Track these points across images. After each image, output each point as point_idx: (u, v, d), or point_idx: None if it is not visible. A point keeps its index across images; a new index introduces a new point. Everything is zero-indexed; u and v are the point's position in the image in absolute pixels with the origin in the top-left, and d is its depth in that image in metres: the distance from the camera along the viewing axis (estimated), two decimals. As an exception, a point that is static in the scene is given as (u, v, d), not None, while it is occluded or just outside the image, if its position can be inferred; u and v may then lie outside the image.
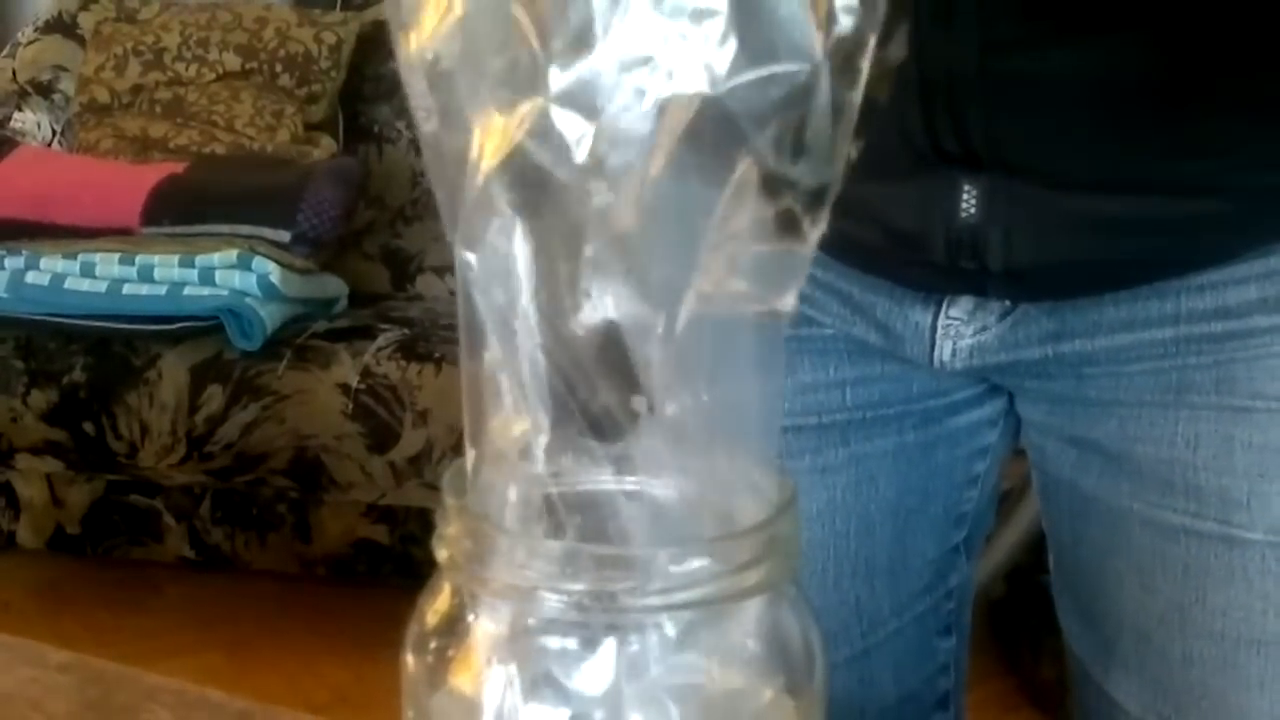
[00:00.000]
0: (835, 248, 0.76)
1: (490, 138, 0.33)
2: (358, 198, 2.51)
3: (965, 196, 0.69)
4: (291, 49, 2.63)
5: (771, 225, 0.33)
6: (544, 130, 0.32)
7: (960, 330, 0.75)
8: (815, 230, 0.34)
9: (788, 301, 0.34)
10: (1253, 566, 0.72)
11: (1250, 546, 0.72)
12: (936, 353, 0.76)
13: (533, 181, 0.33)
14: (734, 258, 0.33)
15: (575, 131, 0.32)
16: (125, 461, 2.22)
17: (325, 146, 2.58)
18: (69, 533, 2.36)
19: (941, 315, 0.75)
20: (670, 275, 0.33)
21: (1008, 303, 0.74)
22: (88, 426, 2.21)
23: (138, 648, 2.08)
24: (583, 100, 0.32)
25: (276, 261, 2.20)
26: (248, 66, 2.63)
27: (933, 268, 0.72)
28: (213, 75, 2.64)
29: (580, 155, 0.32)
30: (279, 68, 2.62)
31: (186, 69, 2.64)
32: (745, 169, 0.33)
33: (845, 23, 0.32)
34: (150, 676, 0.68)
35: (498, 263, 0.34)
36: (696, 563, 0.34)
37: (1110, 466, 0.75)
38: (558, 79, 0.32)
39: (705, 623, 0.35)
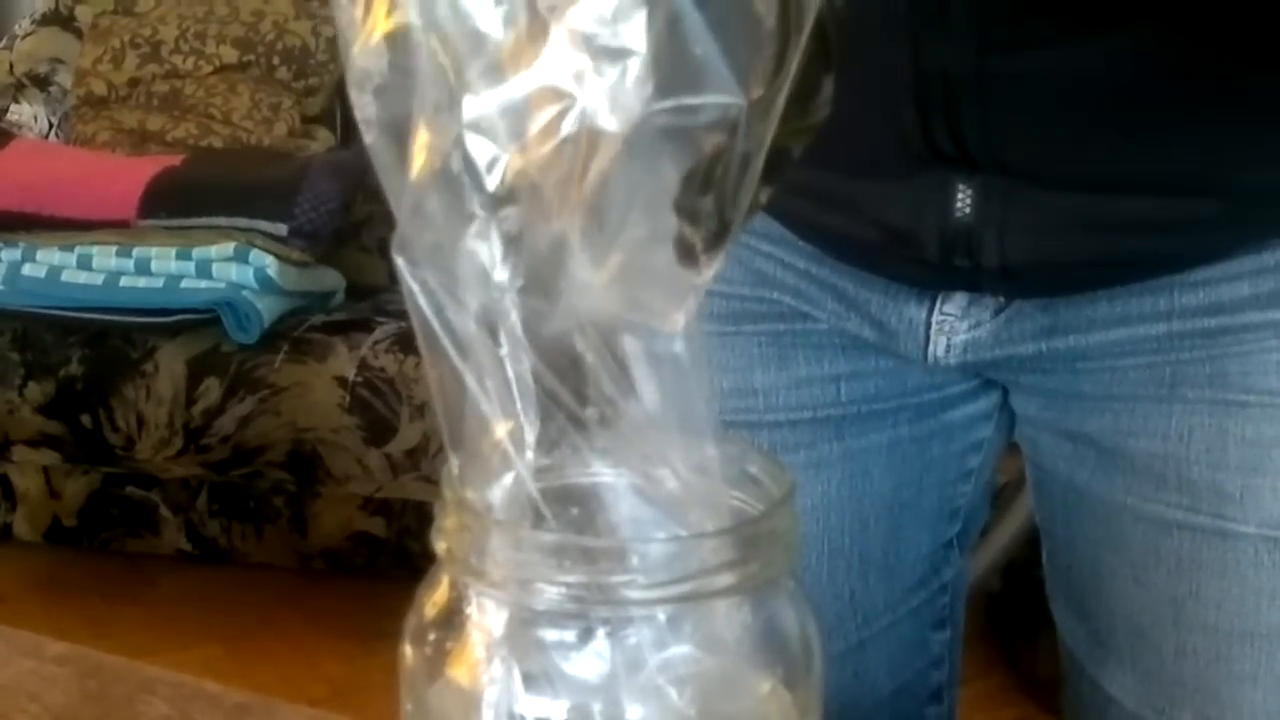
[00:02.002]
0: (830, 244, 0.77)
1: (420, 153, 0.33)
2: (355, 191, 2.51)
3: (960, 196, 0.70)
4: (289, 42, 2.63)
5: (667, 245, 0.34)
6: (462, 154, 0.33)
7: (954, 326, 0.76)
8: (710, 266, 0.34)
9: (675, 321, 0.34)
10: (1245, 560, 0.72)
11: (1243, 540, 0.72)
12: (930, 348, 0.76)
13: (489, 191, 0.33)
14: (633, 265, 0.34)
15: (486, 159, 0.32)
16: (122, 454, 2.22)
17: (323, 139, 2.57)
18: (65, 525, 2.36)
19: (935, 311, 0.76)
20: (588, 279, 0.34)
21: (1002, 299, 0.74)
22: (84, 419, 2.21)
23: (134, 640, 2.08)
24: (495, 129, 0.32)
25: (274, 254, 2.20)
26: (245, 59, 2.63)
27: (926, 265, 0.73)
28: (210, 68, 2.63)
29: (491, 183, 0.32)
30: (276, 60, 2.62)
31: (184, 62, 2.64)
32: (655, 186, 0.33)
33: (761, 61, 0.32)
34: (148, 668, 0.68)
35: (475, 264, 0.34)
36: (694, 555, 0.34)
37: (1104, 461, 0.76)
38: (471, 106, 0.32)
39: (703, 615, 0.35)
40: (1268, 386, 0.70)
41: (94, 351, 2.21)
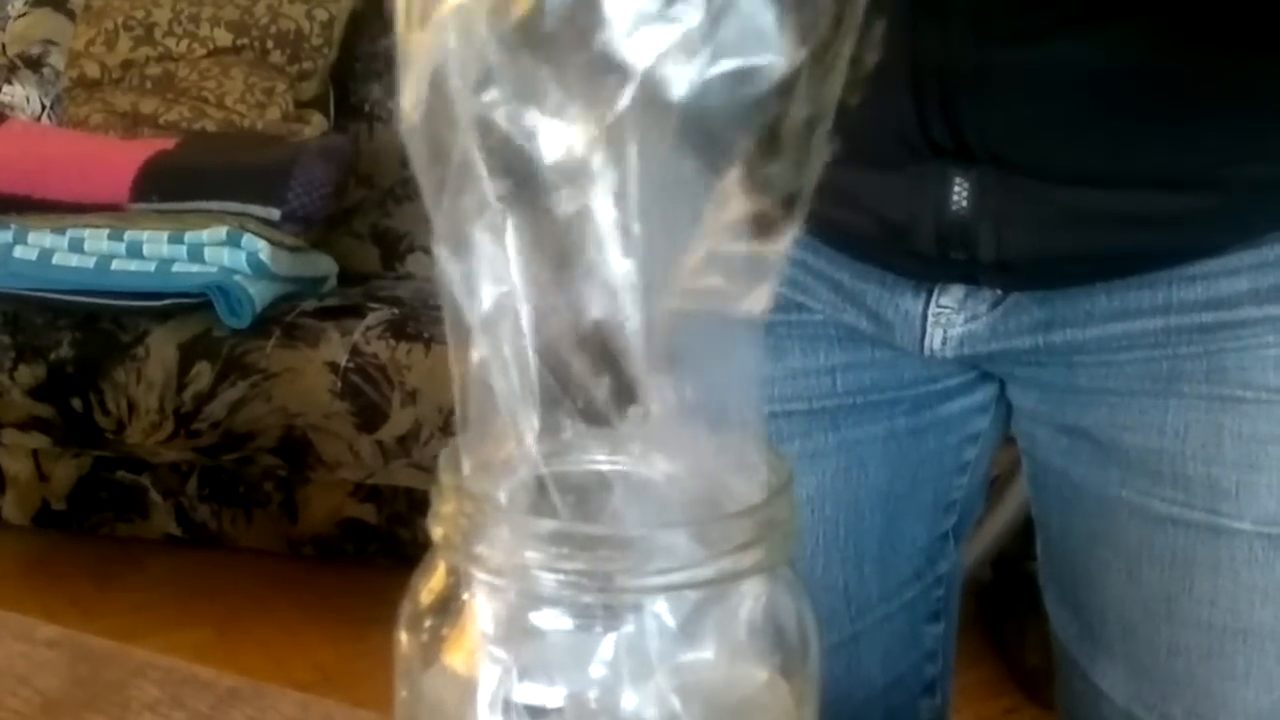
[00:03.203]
0: (826, 234, 0.77)
1: (462, 137, 0.33)
2: (348, 176, 2.50)
3: (956, 189, 0.69)
4: (283, 25, 2.62)
5: (747, 226, 0.34)
6: (519, 128, 0.32)
7: (951, 319, 0.75)
8: (789, 232, 0.34)
9: (760, 300, 0.34)
10: (1240, 557, 0.72)
11: (1238, 537, 0.72)
12: (927, 341, 0.76)
13: (521, 175, 0.33)
14: (710, 256, 0.34)
15: (548, 132, 0.32)
16: (112, 438, 2.22)
17: (316, 124, 2.57)
18: (55, 509, 2.35)
19: (932, 304, 0.75)
20: (648, 271, 0.33)
21: (999, 292, 0.74)
22: (75, 402, 2.20)
23: (123, 624, 2.08)
24: (556, 102, 0.32)
25: (266, 239, 2.19)
26: (239, 43, 2.62)
27: (923, 257, 0.72)
28: (203, 51, 2.63)
29: (550, 155, 0.32)
30: (270, 44, 2.61)
31: (177, 44, 2.63)
32: (726, 170, 0.33)
33: (820, 25, 0.32)
34: (139, 653, 0.67)
35: (486, 256, 0.34)
36: (692, 544, 0.34)
37: (1099, 455, 0.76)
38: (532, 80, 0.32)
39: (700, 604, 0.35)
40: (1265, 382, 0.70)
41: (85, 335, 2.21)
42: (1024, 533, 1.40)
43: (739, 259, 0.34)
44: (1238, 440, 0.71)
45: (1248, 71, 0.66)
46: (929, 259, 0.72)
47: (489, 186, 0.33)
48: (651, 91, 0.32)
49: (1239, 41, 0.65)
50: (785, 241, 0.34)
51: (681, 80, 0.32)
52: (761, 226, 0.33)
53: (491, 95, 0.32)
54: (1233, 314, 0.70)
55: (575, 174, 0.32)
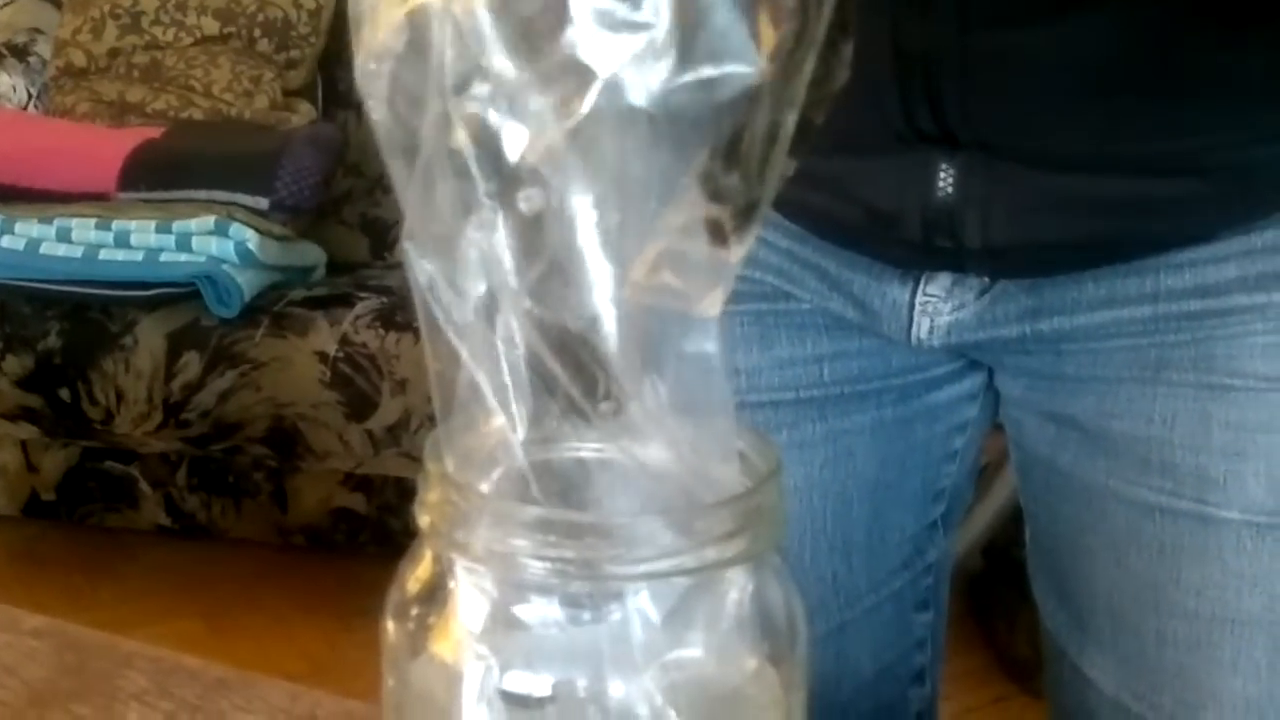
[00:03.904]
0: (812, 223, 0.76)
1: (430, 136, 0.33)
2: (336, 165, 2.50)
3: (941, 175, 0.69)
4: (270, 14, 2.61)
5: (703, 229, 0.34)
6: (492, 121, 0.32)
7: (938, 307, 0.75)
8: (741, 244, 0.34)
9: (714, 304, 0.34)
10: (1228, 546, 0.72)
11: (1225, 525, 0.72)
12: (914, 329, 0.76)
13: (508, 173, 0.33)
14: (667, 253, 0.34)
15: (507, 137, 0.32)
16: (101, 428, 2.21)
17: (304, 113, 2.56)
18: (44, 499, 2.35)
19: (919, 292, 0.75)
20: (617, 264, 0.33)
21: (986, 280, 0.74)
22: (63, 392, 2.20)
23: (113, 614, 2.08)
24: (516, 106, 0.32)
25: (254, 228, 2.18)
26: (226, 31, 2.61)
27: (909, 245, 0.72)
28: (190, 39, 2.62)
29: (513, 156, 0.32)
30: (258, 33, 2.60)
31: (164, 33, 2.62)
32: (686, 172, 0.33)
33: (784, 32, 0.32)
34: (127, 643, 0.67)
35: (472, 252, 0.34)
36: (679, 531, 0.34)
37: (1087, 443, 0.76)
38: (491, 84, 0.32)
39: (687, 592, 0.35)
40: (1253, 370, 0.70)
41: (72, 325, 2.20)
42: (1013, 521, 1.41)
43: (694, 260, 0.34)
44: (1226, 428, 0.71)
45: (1234, 56, 0.66)
46: (915, 247, 0.72)
47: (481, 183, 0.33)
48: (616, 95, 0.32)
49: (1225, 26, 0.65)
50: (739, 250, 0.34)
51: (646, 87, 0.32)
52: (715, 234, 0.34)
53: (472, 90, 0.32)
54: (1221, 302, 0.70)
55: (543, 171, 0.32)
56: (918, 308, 0.76)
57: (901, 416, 0.82)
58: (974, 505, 1.77)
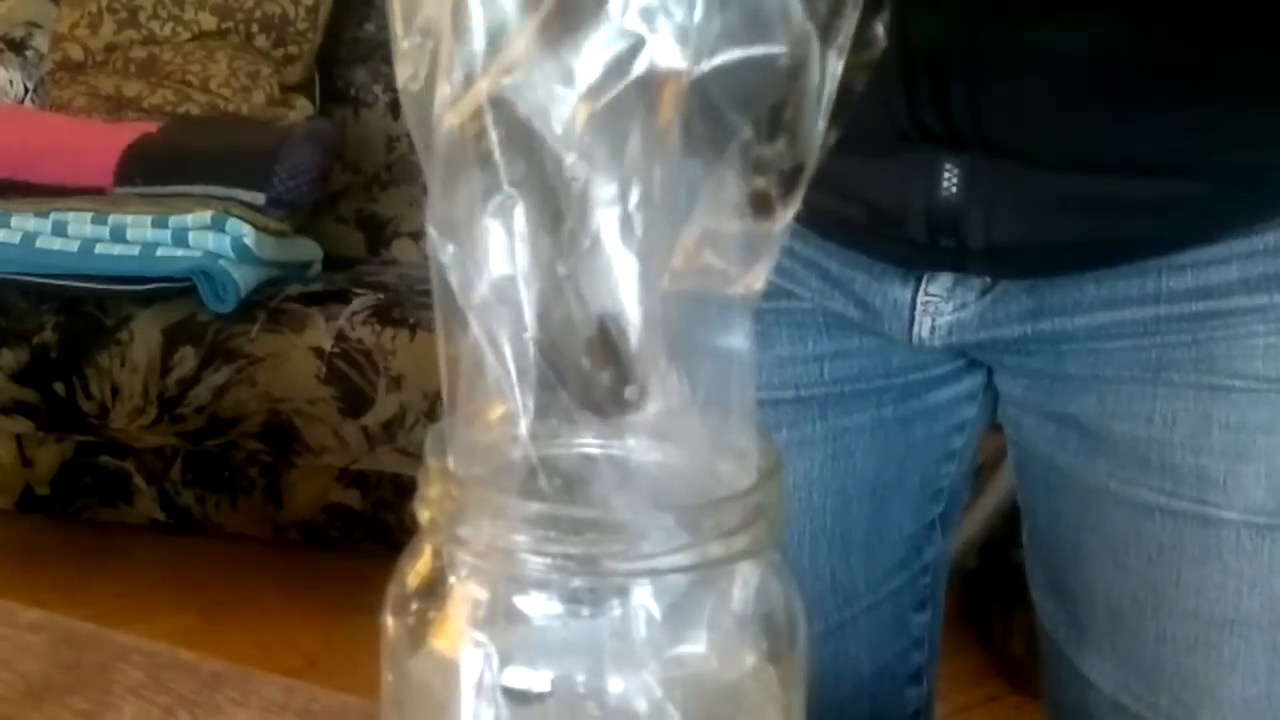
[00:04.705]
0: (814, 222, 0.76)
1: (454, 117, 0.32)
2: (333, 161, 2.49)
3: (946, 174, 0.69)
4: (268, 10, 2.61)
5: (746, 204, 0.33)
6: (526, 99, 0.32)
7: (939, 307, 0.75)
8: (788, 210, 0.34)
9: (758, 279, 0.34)
10: (1227, 546, 0.72)
11: (1225, 526, 0.72)
12: (915, 329, 0.76)
13: (531, 158, 0.33)
14: (708, 235, 0.33)
15: (556, 101, 0.32)
16: (96, 422, 2.21)
17: (301, 109, 2.56)
18: (38, 493, 2.34)
19: (920, 291, 0.75)
20: (648, 255, 0.33)
21: (987, 280, 0.74)
22: (58, 387, 2.20)
23: (107, 609, 2.08)
24: (563, 72, 0.32)
25: (251, 224, 2.18)
26: (224, 26, 2.61)
27: (912, 245, 0.72)
28: (188, 35, 2.61)
29: (558, 126, 0.32)
30: (255, 28, 2.60)
31: (161, 28, 2.62)
32: (727, 151, 0.33)
33: (824, 6, 0.32)
34: (122, 637, 0.67)
35: (490, 239, 0.33)
36: (680, 528, 0.34)
37: (1087, 443, 0.76)
38: (539, 52, 0.32)
39: (688, 588, 0.35)
40: (1253, 372, 0.70)
41: (68, 319, 2.20)
42: (1009, 520, 1.41)
43: (736, 238, 0.34)
44: (1226, 429, 0.71)
45: (1239, 57, 0.66)
46: (918, 246, 0.72)
47: (503, 169, 0.33)
48: (654, 76, 0.31)
49: (1230, 27, 0.65)
50: (784, 220, 0.34)
51: (685, 58, 0.31)
52: (760, 205, 0.33)
53: (506, 73, 0.32)
54: (1222, 303, 0.70)
55: (575, 156, 0.32)
56: (919, 307, 0.76)
57: (901, 416, 0.82)
58: (971, 504, 1.77)
